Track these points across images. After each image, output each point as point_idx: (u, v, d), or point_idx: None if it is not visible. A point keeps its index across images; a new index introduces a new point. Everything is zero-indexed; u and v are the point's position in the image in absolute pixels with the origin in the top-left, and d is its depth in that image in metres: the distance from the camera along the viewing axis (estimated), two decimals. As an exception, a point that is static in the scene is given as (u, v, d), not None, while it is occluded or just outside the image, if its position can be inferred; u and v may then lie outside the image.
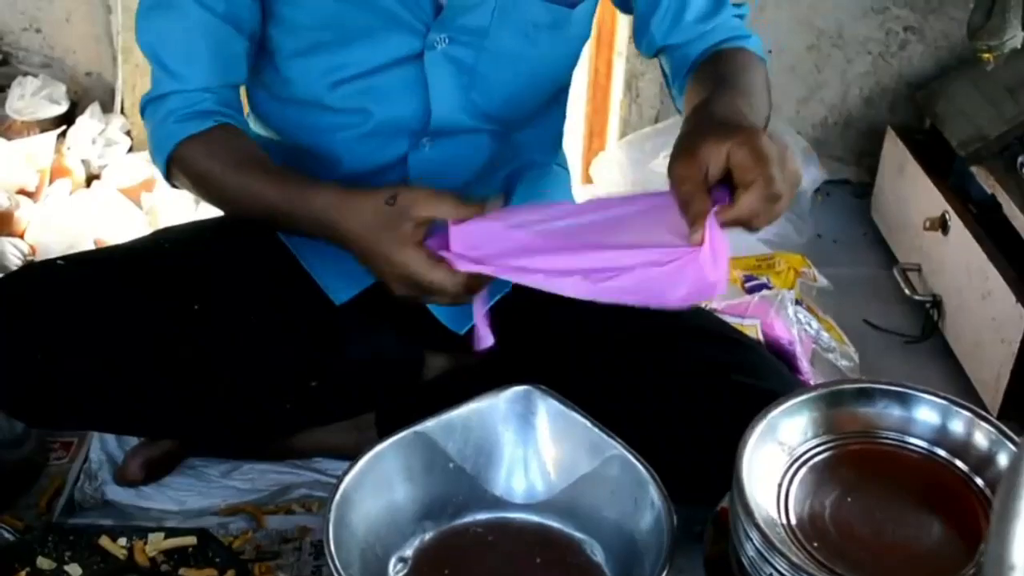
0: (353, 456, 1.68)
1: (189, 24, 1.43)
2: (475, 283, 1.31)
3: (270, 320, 1.56)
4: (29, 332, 1.43)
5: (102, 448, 1.80)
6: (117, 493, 1.75)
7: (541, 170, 1.69)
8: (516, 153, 1.63)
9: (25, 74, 2.57)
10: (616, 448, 1.28)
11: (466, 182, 1.56)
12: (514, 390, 1.35)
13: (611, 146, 2.71)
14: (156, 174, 2.53)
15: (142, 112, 1.52)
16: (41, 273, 1.51)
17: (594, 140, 2.81)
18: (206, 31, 1.44)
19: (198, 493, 1.76)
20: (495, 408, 1.34)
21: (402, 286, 1.32)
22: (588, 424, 1.31)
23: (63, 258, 1.56)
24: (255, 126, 1.64)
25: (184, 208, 2.52)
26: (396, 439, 1.30)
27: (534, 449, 1.35)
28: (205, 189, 1.49)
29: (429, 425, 1.32)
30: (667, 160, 1.99)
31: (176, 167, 1.48)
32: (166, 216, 2.44)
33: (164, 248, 1.60)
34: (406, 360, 1.69)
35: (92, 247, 2.24)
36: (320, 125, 1.54)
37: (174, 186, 1.53)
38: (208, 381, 1.53)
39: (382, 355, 1.65)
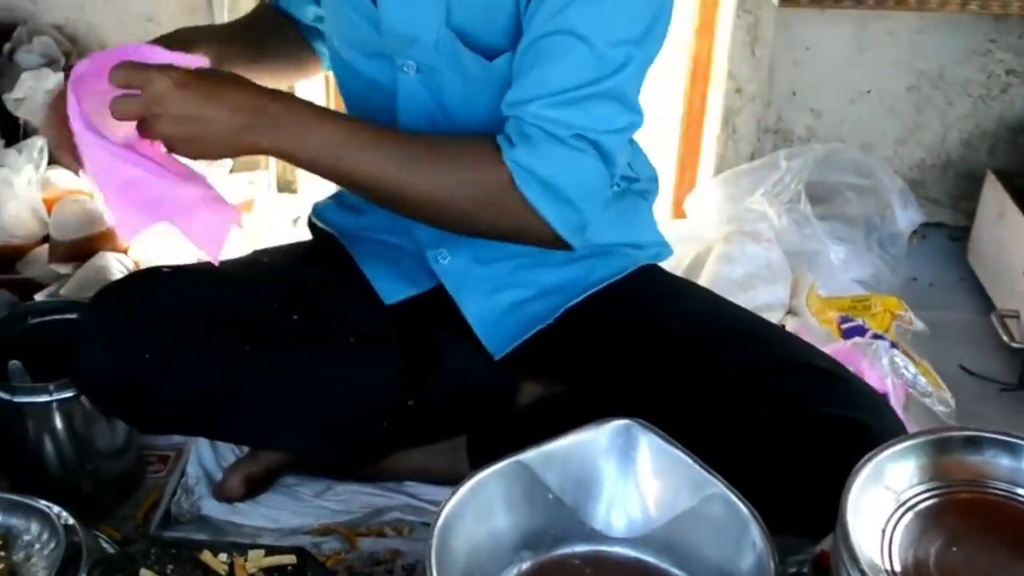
0: (444, 480, 1.74)
1: None
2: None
3: (369, 337, 1.60)
4: (137, 336, 1.48)
5: (199, 463, 1.84)
6: (213, 508, 1.78)
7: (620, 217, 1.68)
8: None
9: (133, 93, 2.62)
10: (717, 486, 1.27)
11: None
12: (614, 424, 1.35)
13: (705, 181, 2.71)
14: (259, 195, 2.58)
15: None
16: (147, 279, 1.55)
17: (686, 174, 2.81)
18: None
19: (292, 512, 1.78)
20: (596, 441, 1.34)
21: None
22: (689, 461, 1.30)
23: (168, 266, 1.60)
24: None
25: (283, 228, 2.56)
26: (497, 468, 1.30)
27: (634, 484, 1.34)
28: None
29: (530, 455, 1.32)
30: (763, 197, 1.99)
31: None
32: (264, 236, 2.48)
33: (263, 263, 1.64)
34: (500, 385, 1.70)
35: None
36: None
37: None
38: (307, 394, 1.56)
39: (478, 378, 1.67)
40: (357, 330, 1.61)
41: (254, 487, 1.77)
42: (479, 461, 1.68)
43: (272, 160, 2.75)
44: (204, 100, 1.31)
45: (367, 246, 1.69)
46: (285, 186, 2.78)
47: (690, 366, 1.53)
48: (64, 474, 1.73)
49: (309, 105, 1.41)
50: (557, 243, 1.45)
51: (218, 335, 1.51)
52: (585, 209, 1.43)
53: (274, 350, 1.54)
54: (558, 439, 1.34)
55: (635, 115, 1.44)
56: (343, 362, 1.59)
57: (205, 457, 1.84)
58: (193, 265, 1.67)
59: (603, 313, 1.62)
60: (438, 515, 1.21)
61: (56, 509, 1.34)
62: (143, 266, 2.20)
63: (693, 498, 1.30)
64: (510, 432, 1.67)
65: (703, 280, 2.28)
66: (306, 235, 1.85)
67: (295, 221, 2.65)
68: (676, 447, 1.32)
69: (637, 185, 1.72)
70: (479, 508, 1.27)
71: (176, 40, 1.48)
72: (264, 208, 2.58)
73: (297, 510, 1.78)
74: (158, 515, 1.76)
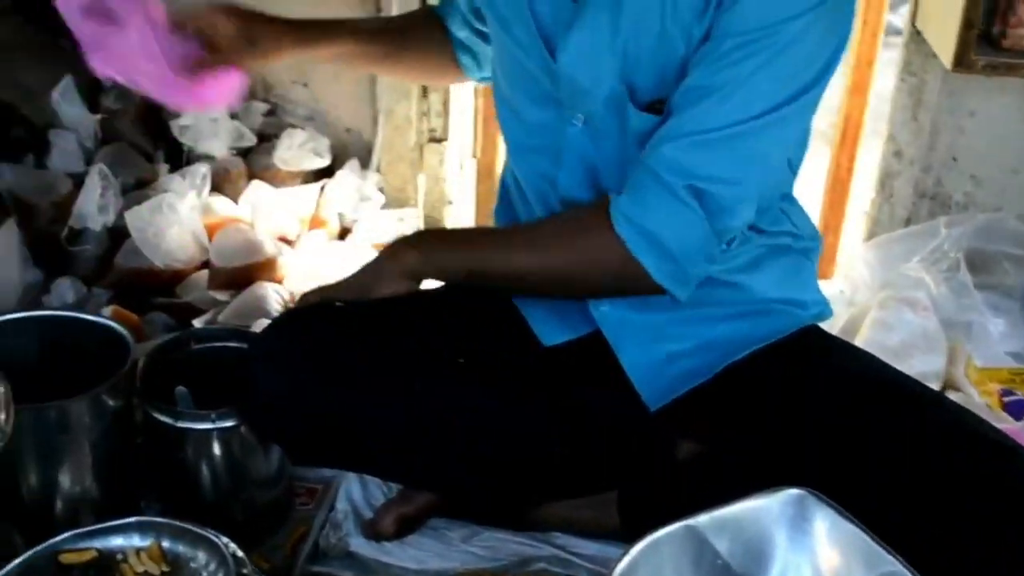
0: (593, 533, 1.71)
1: None
2: None
3: (524, 380, 1.59)
4: (309, 368, 1.49)
5: (348, 499, 1.83)
6: (361, 546, 1.77)
7: (770, 243, 1.64)
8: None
9: (292, 126, 2.67)
10: (894, 564, 1.22)
11: None
12: (788, 493, 1.31)
13: (855, 244, 2.66)
14: (407, 232, 2.60)
15: None
16: (320, 312, 1.56)
17: (828, 235, 2.76)
18: None
19: (438, 555, 1.76)
20: (768, 510, 1.31)
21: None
22: (864, 535, 1.26)
23: (342, 303, 1.61)
24: None
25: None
26: (669, 531, 1.27)
27: (806, 556, 1.30)
28: None
29: (701, 520, 1.28)
30: (920, 264, 1.93)
31: None
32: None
33: (427, 298, 1.64)
34: (655, 440, 1.67)
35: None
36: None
37: None
38: (464, 436, 1.55)
39: (631, 431, 1.64)
40: (512, 371, 1.60)
41: (404, 528, 1.76)
42: (630, 516, 1.68)
43: (421, 197, 2.77)
44: None
45: None
46: (432, 224, 2.80)
47: (857, 432, 1.48)
48: (218, 501, 1.74)
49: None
50: (662, 291, 1.46)
51: (388, 371, 1.51)
52: (685, 262, 1.43)
53: (436, 390, 1.53)
54: (729, 505, 1.30)
55: (769, 172, 1.45)
56: (499, 406, 1.57)
57: (354, 493, 1.84)
58: (364, 301, 1.66)
59: (765, 372, 1.58)
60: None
61: (224, 539, 1.34)
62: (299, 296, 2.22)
63: (867, 574, 1.26)
64: (662, 488, 1.65)
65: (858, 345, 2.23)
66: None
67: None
68: (850, 520, 1.28)
69: (799, 243, 1.68)
70: (649, 571, 1.25)
71: (318, 29, 1.59)
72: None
73: (443, 553, 1.77)
74: (306, 548, 1.76)
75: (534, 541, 1.79)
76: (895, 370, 1.62)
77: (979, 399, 2.09)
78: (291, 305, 2.21)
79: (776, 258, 1.62)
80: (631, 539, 1.65)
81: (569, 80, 1.47)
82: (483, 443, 1.57)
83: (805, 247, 1.69)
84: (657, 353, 1.59)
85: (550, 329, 1.64)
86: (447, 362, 1.57)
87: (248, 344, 1.68)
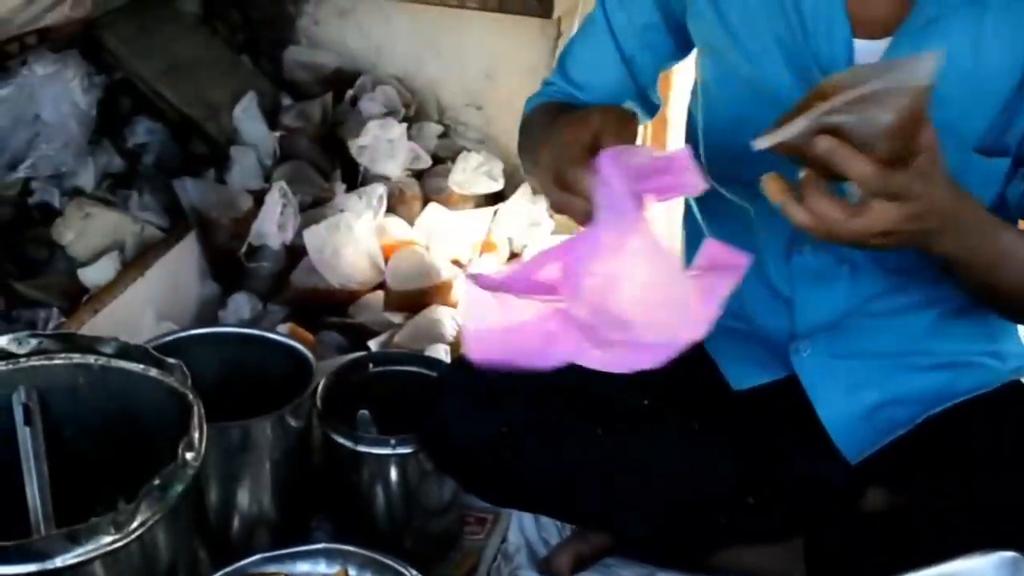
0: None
1: (598, 49, 1.54)
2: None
3: (713, 425, 1.53)
4: (495, 409, 1.47)
5: (521, 532, 1.80)
6: None
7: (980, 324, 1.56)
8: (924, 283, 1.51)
9: (464, 149, 2.66)
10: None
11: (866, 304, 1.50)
12: (1000, 556, 1.23)
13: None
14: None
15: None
16: None
17: None
18: (608, 63, 1.53)
19: None
20: (980, 574, 1.24)
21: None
22: (1085, 607, 1.19)
23: None
24: None
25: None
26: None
27: (1021, 625, 1.23)
28: (522, 145, 1.59)
29: (906, 579, 1.23)
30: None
31: (524, 118, 1.61)
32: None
33: None
34: (846, 488, 1.60)
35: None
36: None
37: None
38: (647, 480, 1.50)
39: (824, 479, 1.58)
40: (701, 415, 1.55)
41: (579, 565, 1.72)
42: (816, 566, 1.61)
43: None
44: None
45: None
46: (599, 252, 2.76)
47: None
48: (390, 526, 1.74)
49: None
50: None
51: (571, 414, 1.48)
52: None
53: (621, 433, 1.50)
54: (936, 567, 1.24)
55: None
56: (685, 451, 1.53)
57: (527, 526, 1.81)
58: None
59: (964, 427, 1.51)
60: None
61: (412, 571, 1.31)
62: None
63: (1088, 648, 1.18)
64: (851, 538, 1.58)
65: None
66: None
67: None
68: (1069, 589, 1.21)
69: None
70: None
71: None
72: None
73: (614, 593, 1.73)
74: (479, 579, 1.74)
75: (709, 584, 1.74)
76: None
77: None
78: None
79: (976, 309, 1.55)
80: None
81: None
82: (666, 490, 1.53)
83: None
84: (857, 403, 1.53)
85: (741, 372, 1.59)
86: (632, 406, 1.52)
87: (438, 374, 1.66)
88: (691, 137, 1.60)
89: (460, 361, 1.55)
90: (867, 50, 1.34)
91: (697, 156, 1.55)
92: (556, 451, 1.47)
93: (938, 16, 1.31)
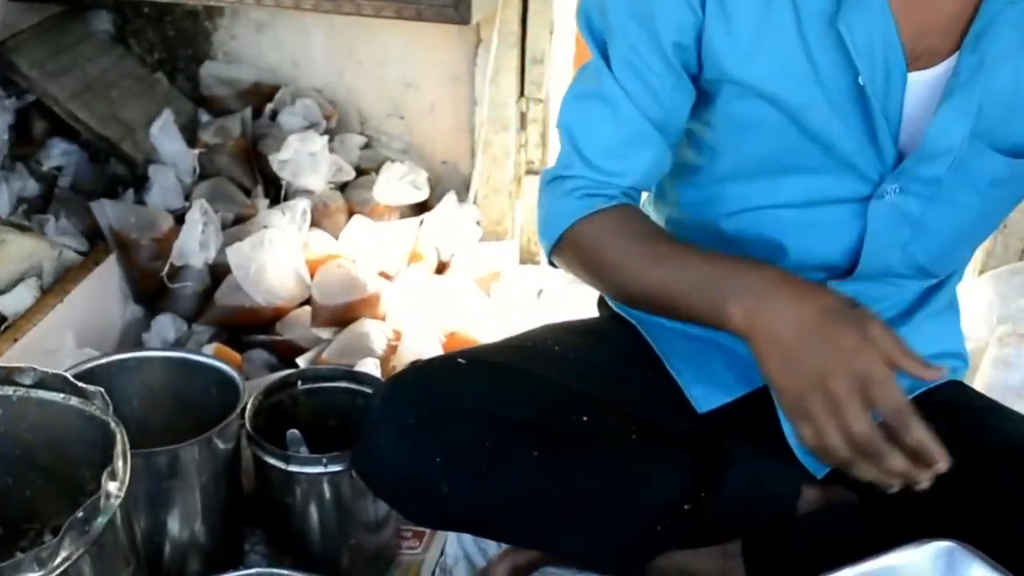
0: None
1: (626, 126, 1.40)
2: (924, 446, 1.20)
3: (650, 439, 1.52)
4: (429, 437, 1.42)
5: (459, 544, 1.78)
6: None
7: (931, 311, 1.58)
8: (931, 296, 1.55)
9: (388, 159, 2.64)
10: (1052, 626, 1.16)
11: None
12: (936, 546, 1.25)
13: (967, 277, 2.56)
14: (504, 266, 2.56)
15: (544, 182, 1.50)
16: (443, 371, 1.50)
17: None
18: (643, 137, 1.41)
19: None
20: (916, 565, 1.25)
21: (845, 382, 1.18)
22: (1020, 593, 1.20)
23: (465, 353, 1.55)
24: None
25: (527, 300, 2.53)
26: (813, 587, 1.21)
27: (958, 614, 1.24)
28: (600, 265, 1.44)
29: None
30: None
31: (569, 243, 1.44)
32: (513, 307, 2.45)
33: (556, 351, 1.57)
34: (784, 491, 1.60)
35: (442, 335, 2.26)
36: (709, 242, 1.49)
37: (553, 265, 1.51)
38: (589, 501, 1.49)
39: (763, 484, 1.57)
40: (642, 424, 1.53)
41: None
42: (754, 566, 1.61)
43: (518, 231, 2.73)
44: None
45: (672, 341, 1.61)
46: (529, 258, 2.76)
47: (1007, 489, 1.41)
48: (327, 545, 1.70)
49: None
50: None
51: (508, 440, 1.44)
52: None
53: (561, 455, 1.47)
54: (873, 559, 1.25)
55: None
56: (624, 465, 1.50)
57: (465, 538, 1.78)
58: (487, 353, 1.59)
59: None
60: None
61: (347, 594, 1.29)
62: (403, 335, 2.19)
63: (1022, 636, 1.19)
64: (788, 538, 1.58)
65: (978, 385, 2.14)
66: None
67: (539, 293, 2.62)
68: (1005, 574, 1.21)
69: (953, 294, 1.64)
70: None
71: None
72: (509, 279, 2.55)
73: (555, 601, 1.72)
74: (416, 595, 1.72)
75: (649, 588, 1.73)
76: None
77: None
78: (394, 343, 2.17)
79: (949, 310, 1.60)
80: None
81: (920, 154, 1.36)
82: (603, 506, 1.50)
83: (955, 295, 1.65)
84: None
85: (705, 393, 1.56)
86: (570, 421, 1.50)
87: (368, 400, 1.62)
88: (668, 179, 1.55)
89: (391, 385, 1.50)
90: (921, 81, 1.33)
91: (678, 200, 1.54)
92: (491, 478, 1.44)
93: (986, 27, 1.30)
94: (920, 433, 1.19)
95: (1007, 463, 1.43)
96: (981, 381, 2.18)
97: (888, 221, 1.41)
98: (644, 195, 1.61)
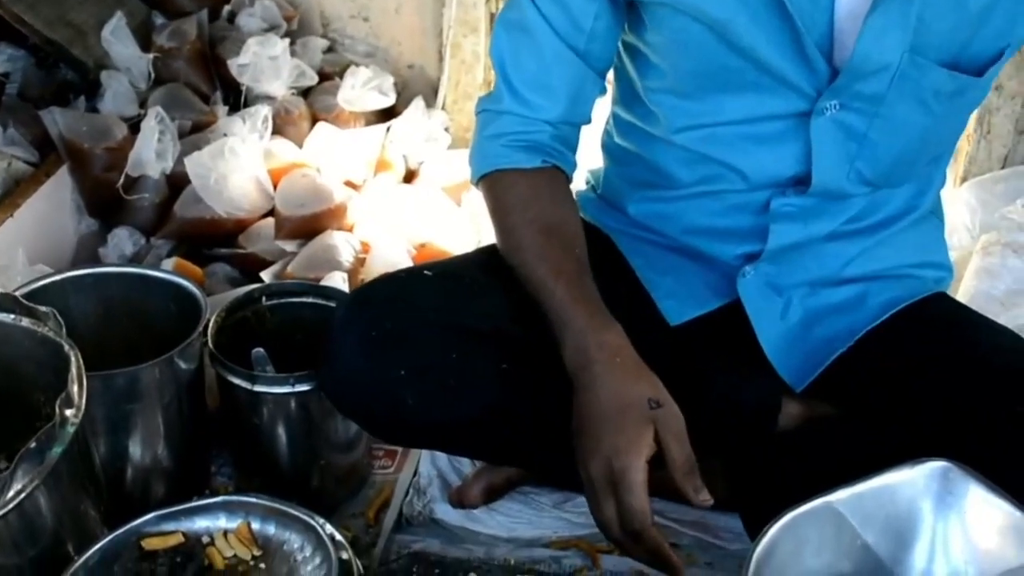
0: (616, 544, 1.63)
1: (546, 55, 1.39)
2: (653, 549, 1.28)
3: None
4: (393, 350, 1.36)
5: (432, 463, 1.75)
6: (447, 513, 1.69)
7: (911, 220, 1.53)
8: (885, 204, 1.50)
9: (352, 63, 2.54)
10: (1053, 545, 1.13)
11: (831, 232, 1.46)
12: (931, 466, 1.21)
13: (949, 184, 2.51)
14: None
15: (477, 111, 1.50)
16: (408, 283, 1.45)
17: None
18: (562, 66, 1.40)
19: (528, 522, 1.69)
20: (911, 485, 1.21)
21: (599, 470, 1.26)
22: (1019, 513, 1.16)
23: (431, 266, 1.49)
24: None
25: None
26: (806, 509, 1.17)
27: (957, 535, 1.20)
28: (498, 225, 1.46)
29: (840, 497, 1.19)
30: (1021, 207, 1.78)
31: (486, 187, 1.47)
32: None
33: None
34: (765, 406, 1.56)
35: (411, 248, 2.19)
36: (669, 158, 1.47)
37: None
38: (562, 413, 1.44)
39: (741, 396, 1.53)
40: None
41: (492, 495, 1.67)
42: (737, 484, 1.57)
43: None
44: None
45: (646, 252, 1.55)
46: (499, 165, 2.68)
47: (991, 403, 1.37)
48: (295, 467, 1.66)
49: None
50: None
51: (476, 352, 1.39)
52: None
53: (531, 367, 1.42)
54: (868, 480, 1.21)
55: None
56: None
57: (439, 457, 1.75)
58: (455, 265, 1.54)
59: (894, 341, 1.48)
60: (748, 560, 1.10)
61: (319, 520, 1.23)
62: (372, 247, 2.12)
63: (1022, 554, 1.16)
64: (770, 455, 1.54)
65: (962, 296, 2.11)
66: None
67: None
68: (1002, 496, 1.18)
69: (935, 205, 1.60)
70: (787, 552, 1.15)
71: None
72: (480, 188, 2.47)
73: (535, 520, 1.69)
74: (390, 516, 1.67)
75: (632, 507, 1.70)
76: None
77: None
78: (363, 256, 2.10)
79: (933, 219, 1.57)
80: (737, 508, 1.58)
81: (862, 61, 1.31)
82: None
83: (937, 206, 1.61)
84: (787, 324, 1.49)
85: (677, 306, 1.53)
86: (541, 334, 1.45)
87: (331, 310, 1.56)
88: (624, 96, 1.52)
89: (353, 299, 1.44)
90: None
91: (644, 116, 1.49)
92: (459, 391, 1.38)
93: None
94: (650, 544, 1.27)
95: (991, 377, 1.39)
96: (964, 291, 2.15)
97: (833, 136, 1.38)
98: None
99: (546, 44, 1.39)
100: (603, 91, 1.47)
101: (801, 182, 1.42)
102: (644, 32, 1.40)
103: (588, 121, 1.49)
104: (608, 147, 1.60)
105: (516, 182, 1.43)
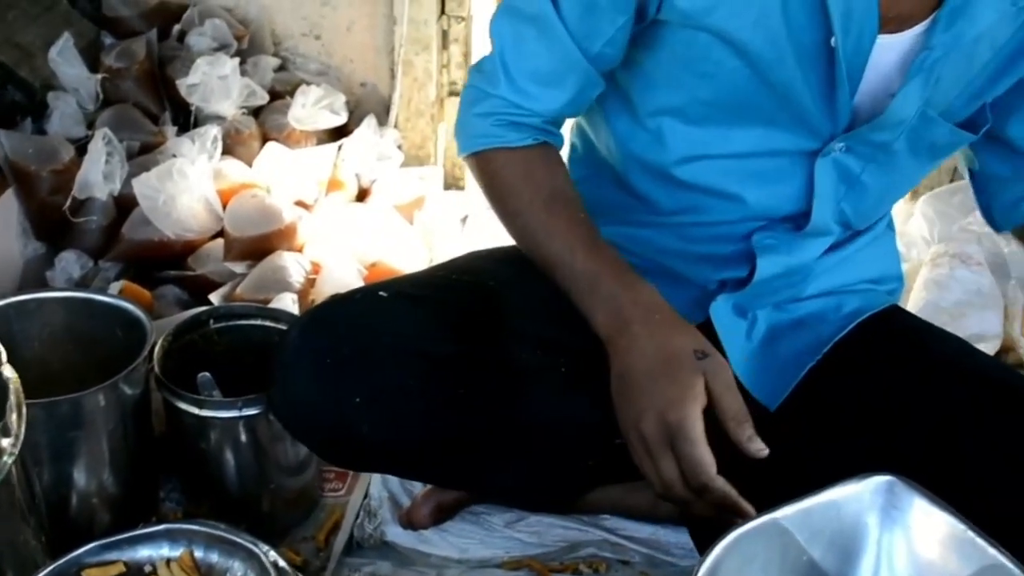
0: (646, 517, 1.61)
1: (555, 54, 1.34)
2: (720, 499, 1.23)
3: (578, 372, 1.45)
4: (348, 377, 1.34)
5: (384, 486, 1.74)
6: (398, 535, 1.68)
7: (872, 236, 1.55)
8: (853, 232, 1.52)
9: (304, 82, 2.53)
10: (996, 557, 1.12)
11: (803, 263, 1.46)
12: (876, 480, 1.20)
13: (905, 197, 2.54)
14: (428, 191, 2.48)
15: (466, 84, 1.44)
16: (363, 305, 1.41)
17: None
18: (569, 67, 1.34)
19: (480, 542, 1.68)
20: (856, 500, 1.20)
21: (653, 427, 1.21)
22: (964, 527, 1.16)
23: (386, 286, 1.47)
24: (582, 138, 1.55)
25: (452, 226, 2.45)
26: (753, 526, 1.16)
27: (902, 549, 1.20)
28: (500, 212, 1.42)
29: (786, 513, 1.18)
30: (979, 218, 1.84)
31: (478, 166, 1.42)
32: (438, 234, 2.37)
33: (487, 284, 1.49)
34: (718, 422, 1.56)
35: (363, 268, 2.18)
36: (650, 183, 1.46)
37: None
38: (516, 437, 1.43)
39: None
40: (574, 356, 1.47)
41: (442, 516, 1.66)
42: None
43: (441, 155, 2.65)
44: None
45: None
46: (453, 183, 2.68)
47: (946, 417, 1.38)
48: (244, 491, 1.64)
49: None
50: None
51: (432, 377, 1.37)
52: None
53: (488, 393, 1.40)
54: (814, 496, 1.20)
55: None
56: (550, 400, 1.44)
57: (390, 479, 1.75)
58: (410, 285, 1.50)
59: (859, 363, 1.48)
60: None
61: (263, 547, 1.22)
62: (322, 267, 2.10)
63: (965, 568, 1.16)
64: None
65: (912, 307, 2.13)
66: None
67: (464, 219, 2.54)
68: (947, 509, 1.18)
69: (888, 219, 1.62)
70: (735, 568, 1.14)
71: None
72: (434, 205, 2.47)
73: (486, 540, 1.69)
74: (341, 539, 1.66)
75: (582, 525, 1.70)
76: (982, 355, 1.54)
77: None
78: (313, 276, 2.08)
79: (887, 232, 1.59)
80: (687, 524, 1.58)
81: (880, 122, 1.32)
82: (530, 443, 1.45)
83: (891, 220, 1.63)
84: (753, 343, 1.49)
85: None
86: (497, 356, 1.43)
87: (283, 337, 1.54)
88: (611, 112, 1.47)
89: (306, 321, 1.41)
90: (887, 45, 1.27)
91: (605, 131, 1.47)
92: (415, 418, 1.36)
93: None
94: (717, 494, 1.22)
95: (945, 391, 1.40)
96: (914, 302, 2.17)
97: (830, 176, 1.38)
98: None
99: (557, 43, 1.33)
100: (603, 90, 1.41)
101: (791, 218, 1.42)
102: (659, 52, 1.35)
103: (581, 115, 1.48)
104: (573, 160, 1.57)
105: (509, 161, 1.39)
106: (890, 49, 1.28)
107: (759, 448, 1.21)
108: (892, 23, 1.26)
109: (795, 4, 1.24)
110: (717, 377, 1.22)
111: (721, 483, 1.21)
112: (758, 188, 1.40)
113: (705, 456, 1.19)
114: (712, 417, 1.22)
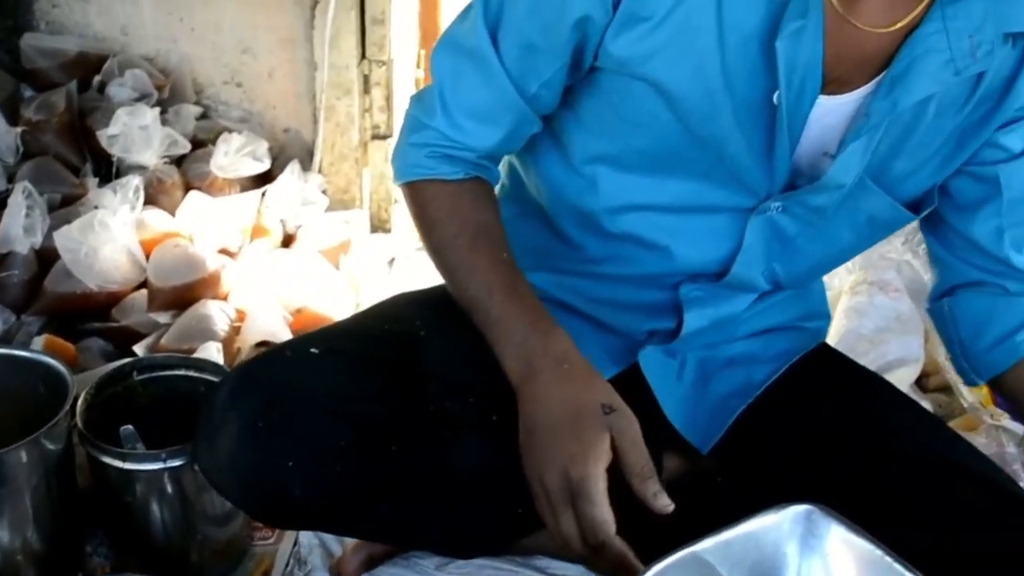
0: (579, 560, 1.61)
1: (492, 92, 1.33)
2: (618, 558, 1.22)
3: (510, 420, 1.46)
4: (277, 440, 1.31)
5: (314, 533, 1.72)
6: None
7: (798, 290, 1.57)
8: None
9: (226, 129, 2.53)
10: (913, 581, 1.15)
11: (731, 314, 1.47)
12: (794, 510, 1.21)
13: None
14: (353, 235, 2.48)
15: (407, 110, 1.43)
16: (292, 361, 1.38)
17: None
18: (505, 106, 1.34)
19: None
20: (776, 530, 1.22)
21: (555, 483, 1.22)
22: (880, 552, 1.17)
23: (317, 339, 1.45)
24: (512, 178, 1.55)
25: (379, 269, 2.46)
26: (673, 560, 1.16)
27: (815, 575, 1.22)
28: (427, 238, 1.41)
29: (706, 546, 1.18)
30: (904, 245, 1.86)
31: (411, 197, 1.42)
32: (365, 278, 2.38)
33: (412, 331, 1.49)
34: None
35: (288, 314, 2.18)
36: (579, 229, 1.45)
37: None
38: (449, 490, 1.43)
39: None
40: (502, 402, 1.47)
41: (373, 565, 1.64)
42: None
43: (367, 198, 2.66)
44: None
45: None
46: (379, 225, 2.69)
47: (851, 448, 1.42)
48: (171, 543, 1.63)
49: None
50: None
51: (366, 438, 1.35)
52: None
53: (420, 448, 1.39)
54: (734, 527, 1.21)
55: None
56: (487, 451, 1.44)
57: (320, 524, 1.73)
58: (340, 337, 1.47)
59: (789, 406, 1.50)
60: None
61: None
62: (247, 315, 2.10)
63: (882, 591, 1.18)
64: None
65: (832, 334, 2.15)
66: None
67: (391, 262, 2.55)
68: (863, 535, 1.19)
69: None
70: (656, 605, 1.15)
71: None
72: (360, 248, 2.47)
73: (418, 584, 1.67)
74: (271, 588, 1.65)
75: (514, 565, 1.67)
76: (905, 397, 1.59)
77: (967, 392, 2.04)
78: (238, 324, 2.08)
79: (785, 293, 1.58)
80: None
81: (819, 185, 1.32)
82: (461, 495, 1.44)
83: None
84: (687, 377, 1.50)
85: None
86: (429, 407, 1.43)
87: (205, 382, 1.54)
88: (543, 156, 1.45)
89: (237, 380, 1.36)
90: (829, 107, 1.28)
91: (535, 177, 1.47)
92: (348, 479, 1.35)
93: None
94: (614, 552, 1.22)
95: (871, 429, 1.44)
96: (835, 330, 2.19)
97: (763, 235, 1.38)
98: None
99: (494, 80, 1.32)
100: (539, 130, 1.40)
101: (720, 274, 1.42)
102: (595, 99, 1.35)
103: (516, 151, 1.46)
104: (503, 197, 1.55)
105: (439, 194, 1.38)
106: (832, 111, 1.28)
107: (665, 504, 1.21)
108: (834, 84, 1.26)
109: (735, 57, 1.23)
110: (624, 434, 1.22)
111: (619, 543, 1.21)
112: (687, 243, 1.39)
113: (605, 516, 1.19)
114: (619, 471, 1.23)
